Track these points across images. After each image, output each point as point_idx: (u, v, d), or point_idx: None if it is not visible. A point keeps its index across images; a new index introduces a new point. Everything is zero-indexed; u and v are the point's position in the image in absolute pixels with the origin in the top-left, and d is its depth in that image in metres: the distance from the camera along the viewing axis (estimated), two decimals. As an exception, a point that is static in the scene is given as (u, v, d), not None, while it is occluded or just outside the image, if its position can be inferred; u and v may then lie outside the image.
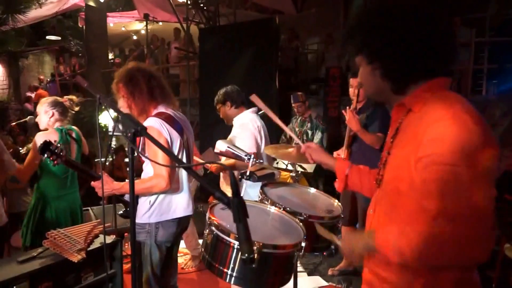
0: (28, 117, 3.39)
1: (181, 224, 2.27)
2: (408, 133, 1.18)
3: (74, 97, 3.31)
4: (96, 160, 5.81)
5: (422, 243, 1.06)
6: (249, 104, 3.07)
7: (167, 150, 1.30)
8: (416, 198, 1.11)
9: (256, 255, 1.43)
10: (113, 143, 8.75)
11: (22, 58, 12.44)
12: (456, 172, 1.02)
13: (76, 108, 3.27)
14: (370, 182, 1.61)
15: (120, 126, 1.43)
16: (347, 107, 3.43)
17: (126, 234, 4.28)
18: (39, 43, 12.58)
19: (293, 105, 4.67)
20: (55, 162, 1.95)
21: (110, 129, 8.90)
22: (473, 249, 1.05)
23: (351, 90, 3.72)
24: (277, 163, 4.47)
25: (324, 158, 1.69)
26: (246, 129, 2.83)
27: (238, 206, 1.04)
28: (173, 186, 2.15)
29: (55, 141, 1.95)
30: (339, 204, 2.10)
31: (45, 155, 1.87)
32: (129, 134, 1.33)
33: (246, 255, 1.04)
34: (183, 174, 2.25)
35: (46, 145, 1.87)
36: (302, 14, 9.05)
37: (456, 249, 1.05)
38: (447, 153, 1.03)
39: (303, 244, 1.58)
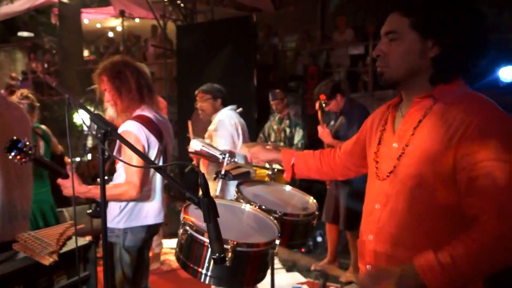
0: None
1: (151, 230, 2.24)
2: (437, 126, 1.12)
3: (25, 91, 3.19)
4: (72, 159, 5.70)
5: (472, 259, 1.01)
6: (227, 102, 3.08)
7: (139, 152, 1.28)
8: (451, 195, 1.09)
9: (230, 254, 1.43)
10: (89, 142, 8.59)
11: (-7, 55, 12.04)
12: (509, 169, 1.00)
13: (32, 102, 3.14)
14: (317, 164, 1.68)
15: (95, 126, 1.40)
16: (319, 125, 3.53)
17: (101, 235, 4.22)
18: (11, 39, 12.18)
19: (271, 102, 4.68)
20: (23, 160, 1.88)
21: (85, 128, 8.74)
22: None
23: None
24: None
25: (270, 155, 1.77)
26: (223, 126, 2.83)
27: (208, 206, 1.04)
28: (145, 194, 2.12)
29: (24, 138, 1.88)
30: (314, 201, 2.12)
31: (12, 154, 1.81)
32: (99, 135, 1.32)
33: (217, 254, 1.05)
34: (157, 181, 2.22)
35: (14, 143, 1.80)
36: (280, 12, 9.08)
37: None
38: (501, 149, 1.01)
39: (277, 242, 1.60)
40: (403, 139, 1.20)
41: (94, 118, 1.34)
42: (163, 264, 4.00)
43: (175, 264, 4.03)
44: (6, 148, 1.77)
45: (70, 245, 2.06)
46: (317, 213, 2.02)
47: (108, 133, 1.31)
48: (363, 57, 7.36)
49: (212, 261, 1.53)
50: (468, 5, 1.11)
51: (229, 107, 3.00)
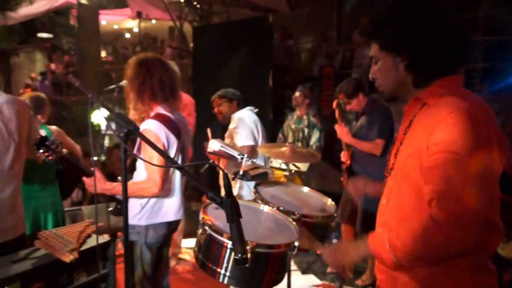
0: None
1: (171, 227, 2.26)
2: (421, 125, 1.25)
3: (41, 94, 3.22)
4: (92, 158, 5.78)
5: (412, 235, 1.13)
6: (243, 104, 3.09)
7: (161, 150, 1.29)
8: (419, 185, 1.18)
9: (249, 254, 1.43)
10: (106, 142, 8.71)
11: (13, 56, 12.29)
12: (459, 161, 1.09)
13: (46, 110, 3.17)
14: None
15: (113, 125, 1.42)
16: (337, 124, 3.47)
17: (119, 233, 4.26)
18: (30, 40, 12.43)
19: (295, 94, 4.63)
20: (50, 157, 1.92)
21: (103, 128, 8.87)
22: (461, 240, 1.09)
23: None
24: (270, 161, 4.47)
25: (377, 189, 1.74)
26: (243, 122, 2.84)
27: (231, 206, 1.04)
28: (165, 190, 2.13)
29: (52, 135, 1.92)
30: (332, 203, 2.11)
31: (41, 151, 1.84)
32: (121, 134, 1.33)
33: (239, 255, 1.05)
34: (176, 178, 2.24)
35: (42, 140, 1.84)
36: (295, 13, 9.06)
37: (444, 240, 1.10)
38: (454, 142, 1.10)
39: (296, 244, 1.59)
40: (399, 139, 1.36)
41: (117, 117, 1.35)
42: (179, 264, 4.02)
43: (191, 263, 4.05)
44: (35, 145, 1.81)
45: (90, 243, 2.09)
46: (335, 215, 2.01)
47: (130, 132, 1.32)
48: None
49: (231, 262, 1.53)
50: (420, 14, 1.23)
51: (247, 107, 3.01)
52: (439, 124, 1.14)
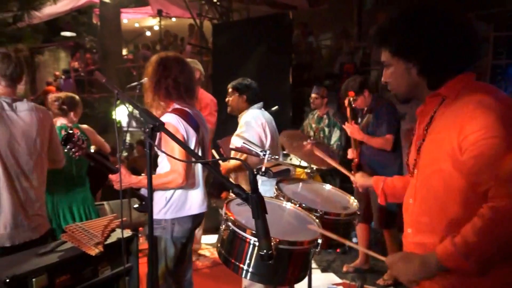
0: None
1: (196, 220, 2.28)
2: (446, 119, 1.26)
3: (75, 96, 3.30)
4: (117, 155, 5.89)
5: (480, 232, 1.10)
6: (256, 99, 3.04)
7: (185, 145, 1.30)
8: (462, 177, 1.18)
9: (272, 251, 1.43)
10: (128, 138, 8.85)
11: (38, 54, 12.60)
12: (502, 143, 1.11)
13: (78, 109, 3.25)
14: (405, 185, 1.65)
15: (134, 122, 1.44)
16: (346, 122, 3.49)
17: (140, 228, 4.33)
18: (54, 39, 12.72)
19: (311, 95, 4.60)
20: (76, 154, 1.96)
21: (124, 124, 9.01)
22: None
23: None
24: (290, 159, 4.45)
25: (367, 183, 1.86)
26: (250, 127, 2.81)
27: (257, 202, 1.04)
28: (189, 182, 2.15)
29: (78, 132, 1.96)
30: (355, 200, 2.09)
31: (68, 147, 1.88)
32: (147, 130, 1.34)
33: (265, 251, 1.04)
34: (199, 171, 2.26)
35: (69, 136, 1.89)
36: (315, 9, 8.98)
37: None
38: (491, 128, 1.12)
39: (319, 241, 1.58)
40: (421, 136, 1.35)
41: (143, 113, 1.37)
42: (199, 259, 4.05)
43: (210, 260, 4.08)
44: (62, 140, 1.86)
45: (114, 237, 2.12)
46: (358, 213, 1.98)
47: (155, 128, 1.34)
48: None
49: (253, 257, 1.53)
50: (427, 18, 1.27)
51: (256, 105, 2.96)
52: (468, 116, 1.17)
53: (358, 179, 1.91)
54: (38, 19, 9.35)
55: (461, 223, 1.17)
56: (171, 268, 2.23)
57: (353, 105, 3.52)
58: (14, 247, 2.10)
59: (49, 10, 9.45)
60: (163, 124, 1.35)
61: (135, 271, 2.19)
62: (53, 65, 12.81)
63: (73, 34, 12.16)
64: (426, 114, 1.36)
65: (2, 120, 2.05)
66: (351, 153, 3.55)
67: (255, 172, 2.05)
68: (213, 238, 4.60)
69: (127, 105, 1.50)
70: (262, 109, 3.03)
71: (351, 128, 3.44)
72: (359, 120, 3.59)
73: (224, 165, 2.75)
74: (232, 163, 2.70)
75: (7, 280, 1.63)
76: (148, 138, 1.34)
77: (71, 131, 1.94)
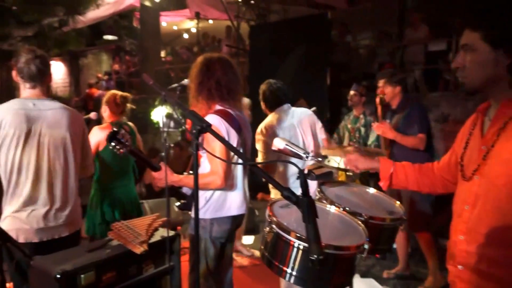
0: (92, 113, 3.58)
1: (235, 221, 2.28)
2: None
3: (128, 95, 3.43)
4: (162, 154, 6.09)
5: None
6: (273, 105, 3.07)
7: (231, 145, 1.30)
8: None
9: (319, 255, 1.40)
10: (163, 138, 9.04)
11: (82, 57, 13.16)
12: None
13: (129, 105, 3.38)
14: (416, 175, 1.68)
15: (172, 123, 1.45)
16: (374, 122, 3.46)
17: (178, 228, 4.40)
18: (97, 42, 13.22)
19: (350, 92, 4.54)
20: (121, 151, 2.01)
21: (162, 125, 9.22)
22: None
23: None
24: (328, 161, 4.38)
25: (369, 164, 1.79)
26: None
27: (308, 206, 1.02)
28: (228, 183, 2.16)
29: (122, 130, 2.01)
30: (401, 205, 2.01)
31: (112, 143, 1.94)
32: (194, 131, 1.35)
33: (315, 256, 1.02)
34: (238, 172, 2.26)
35: (114, 133, 1.94)
36: (354, 9, 8.83)
37: None
38: None
39: (366, 246, 1.53)
40: (489, 141, 1.25)
41: (190, 114, 1.38)
42: (235, 260, 4.07)
43: (247, 260, 4.09)
44: (107, 138, 1.91)
45: (157, 236, 2.16)
46: (404, 218, 1.91)
47: (202, 129, 1.34)
48: (444, 54, 6.88)
49: (297, 261, 1.51)
50: None
51: (282, 108, 3.00)
52: None
53: (356, 158, 1.79)
54: (82, 23, 9.76)
55: None
56: (212, 268, 2.24)
57: (384, 102, 3.47)
58: (42, 244, 2.17)
59: (92, 15, 9.81)
60: (209, 125, 1.35)
61: (177, 270, 2.22)
62: (96, 67, 13.32)
63: (115, 37, 12.58)
64: (499, 118, 1.25)
65: (28, 119, 2.13)
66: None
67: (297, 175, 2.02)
68: (249, 239, 4.61)
69: (166, 106, 1.52)
70: (287, 110, 3.04)
71: (382, 127, 3.37)
72: (387, 121, 3.50)
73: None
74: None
75: (58, 276, 1.70)
76: (195, 139, 1.35)
77: (115, 129, 1.99)
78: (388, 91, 3.43)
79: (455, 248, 1.35)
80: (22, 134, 2.11)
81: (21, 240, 2.11)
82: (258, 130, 2.97)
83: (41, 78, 2.24)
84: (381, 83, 3.50)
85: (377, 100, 3.52)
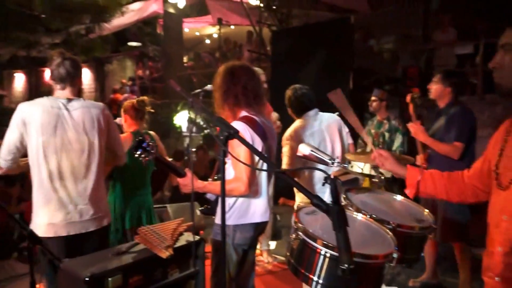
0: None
1: (258, 229, 2.27)
2: None
3: (146, 98, 3.45)
4: (185, 158, 6.17)
5: None
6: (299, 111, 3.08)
7: (260, 153, 1.30)
8: None
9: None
10: (186, 143, 9.15)
11: (107, 63, 13.49)
12: None
13: (148, 108, 3.40)
14: (445, 183, 1.62)
15: (194, 128, 1.46)
16: (411, 122, 3.26)
17: (201, 232, 4.42)
18: (121, 49, 13.54)
19: (371, 98, 4.48)
20: (146, 158, 2.03)
21: (184, 129, 9.33)
22: None
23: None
24: (351, 166, 4.33)
25: (396, 168, 1.73)
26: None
27: (338, 214, 1.00)
28: (252, 190, 2.16)
29: (147, 138, 2.04)
30: (430, 213, 1.96)
31: (138, 152, 1.97)
32: (222, 138, 1.36)
33: (346, 265, 1.01)
34: (262, 178, 2.26)
35: (140, 142, 1.97)
36: (376, 12, 8.73)
37: None
38: None
39: (394, 255, 1.50)
40: None
41: (217, 121, 1.39)
42: (258, 265, 4.05)
43: (270, 265, 4.07)
44: (133, 147, 1.94)
45: (182, 240, 2.18)
46: (434, 226, 1.87)
47: (230, 136, 1.35)
48: (471, 57, 6.72)
49: (324, 269, 1.49)
50: None
51: (305, 114, 3.01)
52: None
53: (387, 156, 1.73)
54: (107, 30, 10.01)
55: None
56: (234, 274, 2.24)
57: (418, 103, 3.30)
58: (69, 237, 2.25)
59: (117, 22, 10.06)
60: (237, 132, 1.36)
61: (201, 275, 2.23)
62: (120, 73, 13.62)
63: (139, 44, 12.84)
64: None
65: (58, 118, 2.22)
66: (418, 159, 3.34)
67: (324, 181, 2.00)
68: (271, 244, 4.58)
69: (189, 111, 1.53)
70: (313, 116, 3.03)
71: (414, 128, 3.17)
72: (432, 124, 3.36)
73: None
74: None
75: (87, 279, 1.73)
76: (222, 146, 1.36)
77: (141, 138, 2.02)
78: (436, 87, 3.22)
79: (492, 260, 1.32)
80: (48, 132, 2.19)
81: (51, 234, 2.20)
82: (287, 134, 2.97)
83: (70, 80, 2.33)
84: (435, 78, 3.27)
85: (408, 97, 3.35)
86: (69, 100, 2.31)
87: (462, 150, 3.01)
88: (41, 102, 2.24)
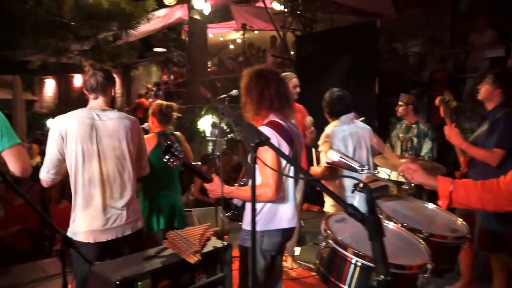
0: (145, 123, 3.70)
1: (286, 234, 2.25)
2: None
3: (174, 104, 3.50)
4: (219, 163, 6.22)
5: None
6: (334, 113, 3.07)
7: (292, 160, 1.29)
8: None
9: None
10: (210, 147, 9.23)
11: (133, 69, 13.80)
12: None
13: (175, 114, 3.44)
14: (478, 192, 1.56)
15: (216, 131, 1.46)
16: (446, 125, 3.12)
17: (226, 237, 4.43)
18: (147, 55, 13.81)
19: (398, 102, 4.40)
20: (174, 163, 2.05)
21: (208, 134, 9.41)
22: None
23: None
24: (377, 172, 4.25)
25: (426, 180, 1.66)
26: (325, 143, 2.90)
27: (374, 224, 0.98)
28: (279, 196, 2.14)
29: (174, 142, 2.06)
30: (463, 222, 1.91)
31: (167, 157, 1.99)
32: (253, 145, 1.35)
33: (382, 276, 0.98)
34: (289, 184, 2.24)
35: (168, 147, 1.99)
36: (402, 15, 8.60)
37: None
38: None
39: (429, 266, 1.46)
40: None
41: (248, 127, 1.39)
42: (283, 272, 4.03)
43: (295, 272, 4.03)
44: (162, 152, 1.97)
45: (209, 245, 2.18)
46: (468, 236, 1.81)
47: (261, 143, 1.34)
48: (503, 60, 6.52)
49: (355, 278, 1.47)
50: None
51: (341, 119, 2.98)
52: None
53: (416, 168, 1.67)
54: (134, 37, 10.22)
55: None
56: (261, 280, 2.23)
57: (451, 105, 3.16)
58: (107, 242, 2.29)
59: (143, 28, 10.25)
60: (268, 139, 1.35)
61: (229, 280, 2.23)
62: (146, 78, 13.89)
63: (164, 49, 13.06)
64: None
65: (93, 128, 2.28)
66: (462, 164, 3.18)
67: (353, 188, 1.98)
68: (295, 250, 4.54)
69: (213, 116, 1.54)
70: (345, 120, 3.01)
71: (448, 131, 3.02)
72: (476, 128, 3.22)
73: (313, 173, 2.75)
74: (318, 170, 2.72)
75: (117, 282, 1.76)
76: (253, 153, 1.36)
77: (170, 142, 2.04)
78: (485, 88, 3.03)
79: None
80: (85, 142, 2.26)
81: (91, 240, 2.25)
82: (328, 131, 2.99)
83: (102, 90, 2.38)
84: (488, 78, 3.06)
85: (437, 101, 3.25)
86: (103, 110, 2.37)
87: (501, 157, 2.81)
88: (76, 114, 2.30)
